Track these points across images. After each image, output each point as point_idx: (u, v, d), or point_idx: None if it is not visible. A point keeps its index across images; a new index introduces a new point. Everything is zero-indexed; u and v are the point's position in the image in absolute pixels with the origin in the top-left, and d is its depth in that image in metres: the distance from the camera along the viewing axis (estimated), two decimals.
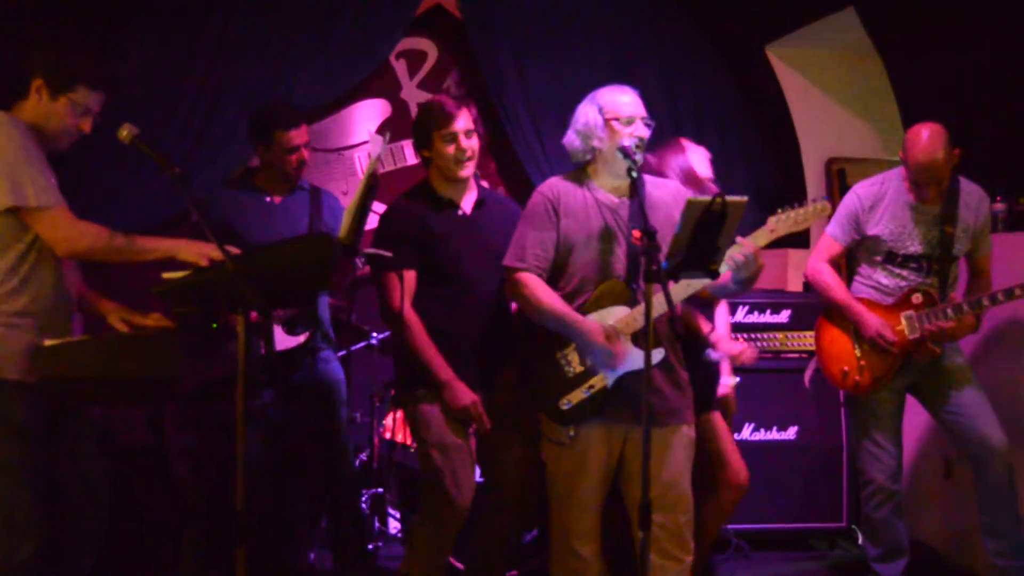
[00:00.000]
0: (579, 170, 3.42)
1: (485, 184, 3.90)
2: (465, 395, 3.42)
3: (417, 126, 3.60)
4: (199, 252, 2.90)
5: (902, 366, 3.89)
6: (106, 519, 3.13)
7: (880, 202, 3.98)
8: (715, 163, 3.98)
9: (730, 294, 3.49)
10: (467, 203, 3.62)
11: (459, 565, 4.17)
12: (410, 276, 3.50)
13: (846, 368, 3.92)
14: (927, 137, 3.82)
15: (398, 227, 3.52)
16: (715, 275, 2.99)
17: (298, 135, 3.97)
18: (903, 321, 3.88)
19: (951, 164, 3.85)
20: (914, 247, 3.93)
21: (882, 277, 3.98)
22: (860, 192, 4.03)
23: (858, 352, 3.92)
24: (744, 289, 3.32)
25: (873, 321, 3.88)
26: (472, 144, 3.52)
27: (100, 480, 3.14)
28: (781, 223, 3.33)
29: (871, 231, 3.96)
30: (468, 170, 3.53)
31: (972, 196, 3.99)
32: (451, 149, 3.49)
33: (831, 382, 4.01)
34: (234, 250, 2.88)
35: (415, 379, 3.51)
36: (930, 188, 3.87)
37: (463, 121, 3.50)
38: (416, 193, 3.63)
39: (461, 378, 3.45)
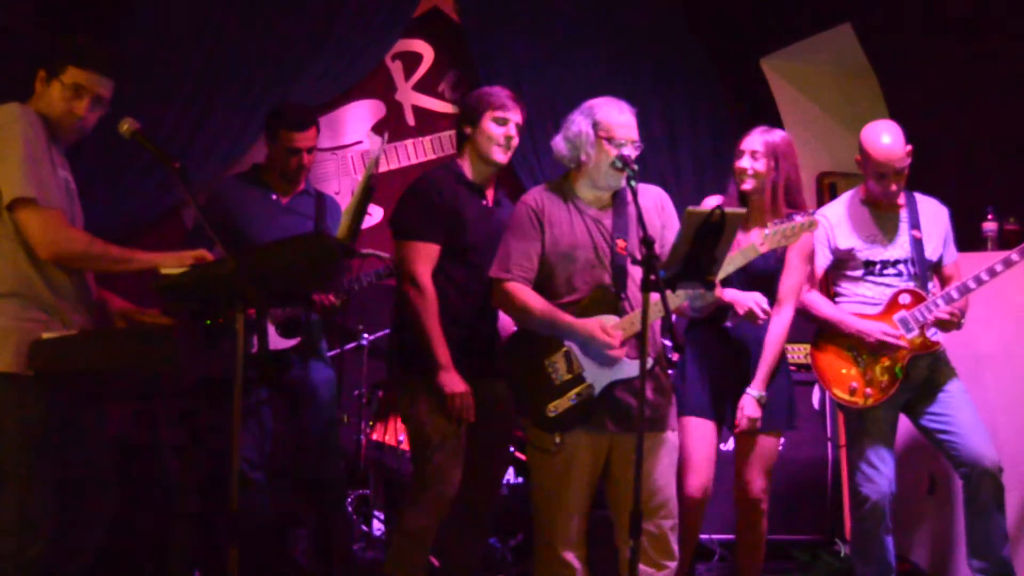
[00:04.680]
0: (561, 180, 3.44)
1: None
2: (459, 383, 3.42)
3: (468, 102, 3.64)
4: (182, 261, 2.87)
5: (904, 379, 3.91)
6: (113, 512, 3.11)
7: (844, 218, 4.03)
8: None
9: (686, 317, 3.60)
10: (490, 196, 3.66)
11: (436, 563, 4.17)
12: (435, 250, 3.50)
13: (854, 384, 3.93)
14: (885, 131, 3.89)
15: (434, 199, 3.52)
16: (712, 286, 3.01)
17: (302, 138, 3.97)
18: (897, 324, 3.90)
19: (909, 159, 3.89)
20: (889, 252, 3.97)
21: (865, 289, 4.00)
22: (824, 213, 4.08)
23: (861, 366, 3.94)
24: (700, 316, 3.46)
25: (872, 325, 3.90)
26: (516, 140, 3.58)
27: (110, 474, 3.13)
28: (769, 238, 3.36)
29: (843, 246, 3.99)
30: (505, 157, 3.58)
31: (929, 206, 4.06)
32: (499, 132, 3.54)
33: (842, 403, 3.98)
34: (208, 256, 2.88)
35: (413, 367, 3.51)
36: (889, 188, 3.90)
37: (517, 115, 3.57)
38: (448, 171, 3.64)
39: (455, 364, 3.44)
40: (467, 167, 3.62)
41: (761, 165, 3.78)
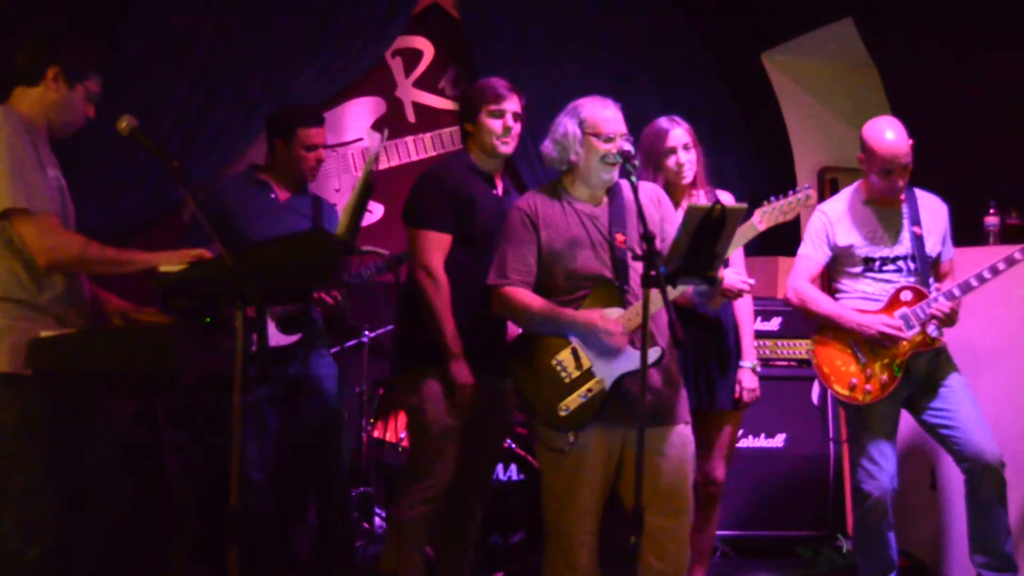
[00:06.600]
0: (554, 182, 3.43)
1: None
2: (469, 374, 3.45)
3: (465, 99, 3.69)
4: (181, 260, 2.86)
5: (904, 375, 3.90)
6: (122, 513, 3.10)
7: (844, 214, 4.02)
8: (708, 170, 4.03)
9: (690, 306, 3.56)
10: (500, 186, 3.69)
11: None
12: (446, 239, 3.52)
13: (854, 381, 3.92)
14: (888, 127, 3.89)
15: (447, 187, 3.54)
16: (713, 281, 3.01)
17: (318, 133, 4.02)
18: (899, 320, 3.89)
19: (912, 154, 3.89)
20: (889, 248, 3.97)
21: (866, 285, 4.00)
22: (824, 208, 4.08)
23: (861, 361, 3.93)
24: (705, 303, 3.43)
25: (872, 319, 3.90)
26: (517, 128, 3.59)
27: (117, 474, 3.12)
28: (767, 216, 3.36)
29: (843, 242, 3.99)
30: (508, 147, 3.60)
31: (930, 201, 4.06)
32: (497, 125, 3.55)
33: (842, 399, 3.98)
34: (207, 254, 2.87)
35: (426, 353, 3.50)
36: (895, 185, 3.90)
37: (514, 103, 3.58)
38: (459, 160, 3.67)
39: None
40: (475, 160, 3.64)
41: (694, 154, 3.87)
